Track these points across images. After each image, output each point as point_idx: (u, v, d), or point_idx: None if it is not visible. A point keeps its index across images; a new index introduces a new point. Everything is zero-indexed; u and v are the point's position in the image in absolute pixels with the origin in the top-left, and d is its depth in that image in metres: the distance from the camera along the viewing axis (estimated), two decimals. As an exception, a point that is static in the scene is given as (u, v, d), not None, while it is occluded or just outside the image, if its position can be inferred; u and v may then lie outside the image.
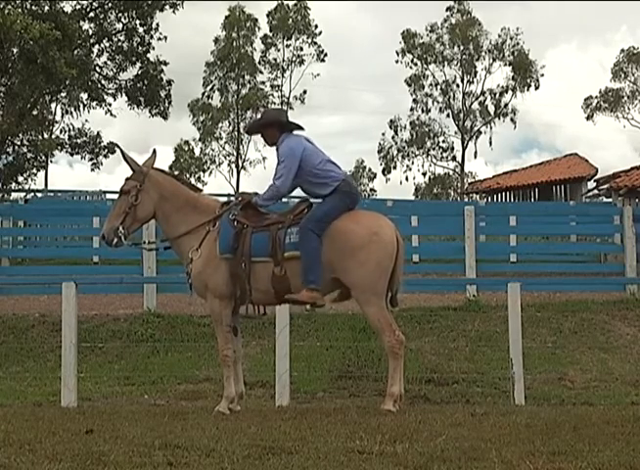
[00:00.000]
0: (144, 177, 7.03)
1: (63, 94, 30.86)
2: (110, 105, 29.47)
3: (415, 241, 17.22)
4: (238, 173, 53.28)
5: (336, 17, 76.12)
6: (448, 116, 54.22)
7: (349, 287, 6.88)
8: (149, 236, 12.19)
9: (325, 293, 7.20)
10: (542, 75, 53.18)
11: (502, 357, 9.52)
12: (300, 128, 7.20)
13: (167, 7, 28.14)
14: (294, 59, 53.11)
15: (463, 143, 54.31)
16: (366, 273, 6.75)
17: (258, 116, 7.14)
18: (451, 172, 56.42)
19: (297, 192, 7.17)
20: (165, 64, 28.98)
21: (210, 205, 7.20)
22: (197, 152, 55.06)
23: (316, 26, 53.04)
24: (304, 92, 53.47)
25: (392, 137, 55.05)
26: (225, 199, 12.34)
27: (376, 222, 6.94)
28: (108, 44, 28.70)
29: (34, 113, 29.68)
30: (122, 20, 28.21)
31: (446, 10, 54.11)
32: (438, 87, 54.10)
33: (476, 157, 55.75)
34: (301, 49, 53.10)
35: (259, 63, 53.22)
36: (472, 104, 54.03)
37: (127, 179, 7.11)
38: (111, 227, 6.99)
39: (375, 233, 6.81)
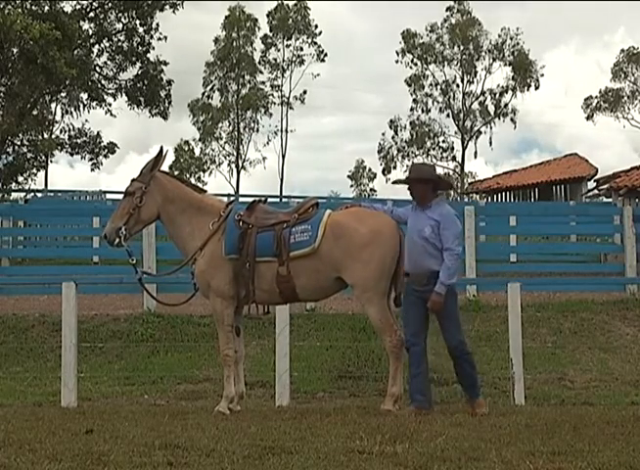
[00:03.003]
0: (150, 179, 7.05)
1: (63, 94, 30.85)
2: (110, 105, 29.51)
3: (415, 241, 17.19)
4: (238, 173, 53.35)
5: (336, 17, 76.25)
6: (448, 116, 54.26)
7: (352, 286, 6.89)
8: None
9: (330, 293, 7.23)
10: (542, 75, 53.26)
11: (502, 357, 9.52)
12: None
13: (167, 7, 28.15)
14: (294, 59, 53.14)
15: (463, 143, 54.33)
16: (368, 273, 6.76)
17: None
18: (451, 172, 56.43)
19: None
20: (165, 64, 28.99)
21: (215, 205, 7.22)
22: (197, 152, 55.15)
23: (316, 26, 53.11)
24: (304, 92, 53.54)
25: (392, 137, 55.11)
26: (226, 199, 12.33)
27: (379, 221, 6.95)
28: (108, 44, 28.71)
29: (34, 113, 29.66)
30: (122, 20, 28.21)
31: (446, 10, 54.13)
32: (438, 87, 54.11)
33: (476, 157, 55.85)
34: (301, 49, 53.14)
35: (259, 63, 53.23)
36: (472, 104, 54.05)
37: (133, 181, 7.12)
38: (113, 227, 7.03)
39: (378, 233, 6.82)
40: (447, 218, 6.77)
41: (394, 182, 7.81)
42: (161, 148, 7.16)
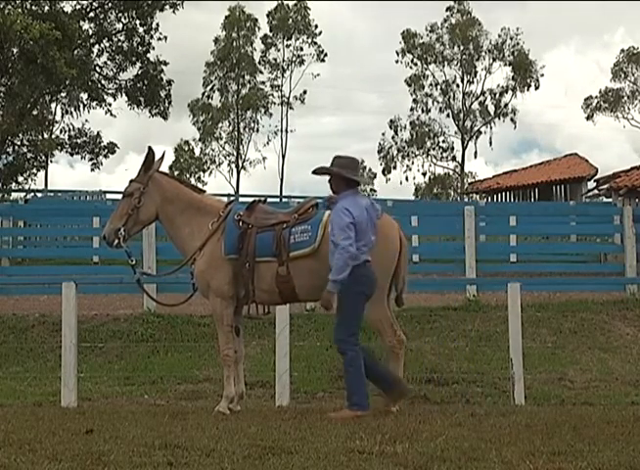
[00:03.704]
0: (148, 180, 7.05)
1: (63, 94, 30.83)
2: (110, 105, 29.49)
3: (415, 241, 17.23)
4: (238, 173, 53.36)
5: (336, 17, 76.19)
6: (448, 116, 54.28)
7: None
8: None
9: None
10: (542, 75, 53.30)
11: (502, 357, 9.52)
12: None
13: (167, 7, 28.13)
14: (294, 59, 53.14)
15: (463, 143, 54.33)
16: (367, 273, 6.75)
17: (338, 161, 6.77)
18: (451, 172, 56.46)
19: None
20: (165, 64, 28.98)
21: (214, 205, 7.22)
22: (197, 152, 55.15)
23: (316, 26, 53.11)
24: (304, 92, 53.53)
25: (392, 137, 55.09)
26: (226, 199, 12.32)
27: (379, 222, 6.95)
28: (108, 44, 28.69)
29: (34, 113, 29.66)
30: (122, 20, 28.20)
31: (446, 10, 54.17)
32: (438, 87, 54.14)
33: (476, 157, 55.86)
34: (301, 49, 53.14)
35: (259, 63, 53.23)
36: (472, 104, 54.07)
37: (131, 181, 7.13)
38: (112, 228, 7.04)
39: (377, 233, 6.81)
40: (335, 211, 6.55)
41: (314, 172, 7.11)
42: (149, 148, 7.13)
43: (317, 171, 6.86)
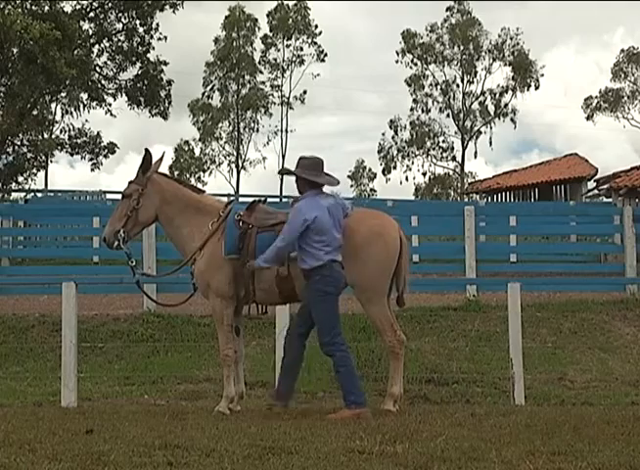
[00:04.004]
0: (146, 181, 7.05)
1: (63, 94, 30.83)
2: (110, 105, 29.46)
3: (415, 241, 17.22)
4: (238, 173, 53.35)
5: (336, 17, 76.22)
6: (448, 116, 54.27)
7: (351, 286, 6.89)
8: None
9: None
10: (542, 75, 53.30)
11: (502, 357, 9.52)
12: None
13: (167, 7, 28.10)
14: (294, 59, 53.14)
15: (463, 143, 54.32)
16: (368, 273, 6.76)
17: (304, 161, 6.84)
18: (451, 172, 56.45)
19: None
20: (165, 64, 28.95)
21: (214, 205, 7.22)
22: (197, 152, 55.15)
23: (316, 26, 53.10)
24: (304, 92, 53.54)
25: (392, 137, 55.10)
26: (226, 199, 12.30)
27: (379, 222, 6.96)
28: (108, 44, 28.67)
29: (34, 113, 29.62)
30: (122, 20, 28.17)
31: (446, 10, 54.17)
32: (438, 87, 54.13)
33: (476, 157, 55.84)
34: (301, 49, 53.15)
35: (259, 63, 53.23)
36: (472, 104, 54.06)
37: (130, 183, 7.13)
38: (112, 230, 7.06)
39: (377, 233, 6.83)
40: (290, 212, 6.69)
41: (279, 172, 7.62)
42: (146, 150, 7.14)
43: (281, 172, 6.98)
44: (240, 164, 53.20)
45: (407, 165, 55.01)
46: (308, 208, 6.57)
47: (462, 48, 53.35)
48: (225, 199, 14.76)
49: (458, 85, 54.19)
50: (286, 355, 6.86)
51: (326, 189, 6.86)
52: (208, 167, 54.37)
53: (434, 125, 54.45)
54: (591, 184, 28.95)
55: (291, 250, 6.68)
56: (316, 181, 6.71)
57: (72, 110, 32.95)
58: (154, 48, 28.89)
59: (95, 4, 27.91)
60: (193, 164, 55.09)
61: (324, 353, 6.75)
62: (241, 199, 26.76)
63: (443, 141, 54.75)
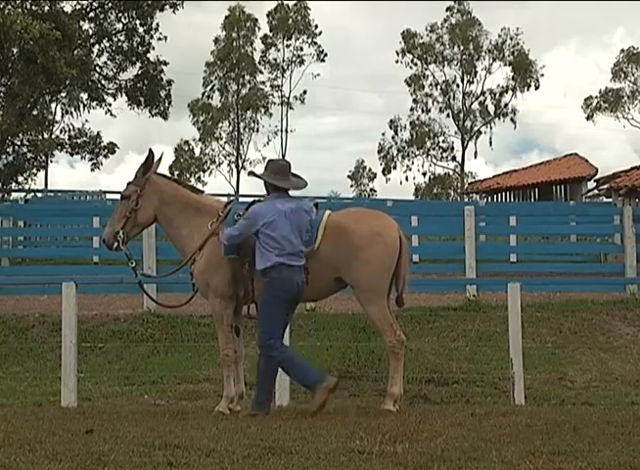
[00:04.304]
0: (145, 182, 7.05)
1: (63, 94, 30.79)
2: (110, 105, 29.41)
3: (415, 241, 17.22)
4: (238, 173, 53.37)
5: (336, 17, 76.25)
6: (448, 116, 54.30)
7: (351, 286, 6.90)
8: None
9: (329, 294, 7.24)
10: (542, 75, 53.33)
11: (502, 357, 9.52)
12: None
13: (167, 7, 28.07)
14: (294, 59, 53.20)
15: (463, 143, 54.34)
16: (368, 273, 6.76)
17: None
18: (451, 172, 56.48)
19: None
20: (165, 64, 28.93)
21: (213, 205, 7.22)
22: (197, 152, 55.20)
23: (316, 26, 53.17)
24: (304, 92, 53.61)
25: (392, 137, 55.15)
26: (225, 199, 12.31)
27: (379, 222, 6.96)
28: (108, 44, 28.64)
29: (34, 113, 29.59)
30: (122, 20, 28.14)
31: (446, 10, 54.21)
32: (438, 87, 54.16)
33: (476, 157, 55.89)
34: (301, 49, 53.21)
35: (259, 63, 53.27)
36: (472, 104, 54.09)
37: (128, 184, 7.14)
38: (111, 231, 7.07)
39: (377, 233, 6.83)
40: (245, 214, 6.75)
41: (248, 174, 7.71)
42: (150, 150, 7.15)
43: (249, 174, 7.08)
44: (240, 165, 53.26)
45: (407, 165, 55.13)
46: (263, 210, 6.65)
47: (462, 48, 53.38)
48: (225, 199, 14.75)
49: (458, 85, 54.27)
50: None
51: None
52: (208, 168, 54.46)
53: (434, 125, 54.56)
54: (591, 184, 28.96)
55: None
56: (277, 185, 6.77)
57: (72, 110, 32.94)
58: (154, 48, 28.88)
59: (95, 4, 27.89)
60: (193, 164, 55.12)
61: (259, 354, 6.74)
62: (241, 199, 26.76)
63: (443, 141, 54.83)
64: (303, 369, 6.65)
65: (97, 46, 28.60)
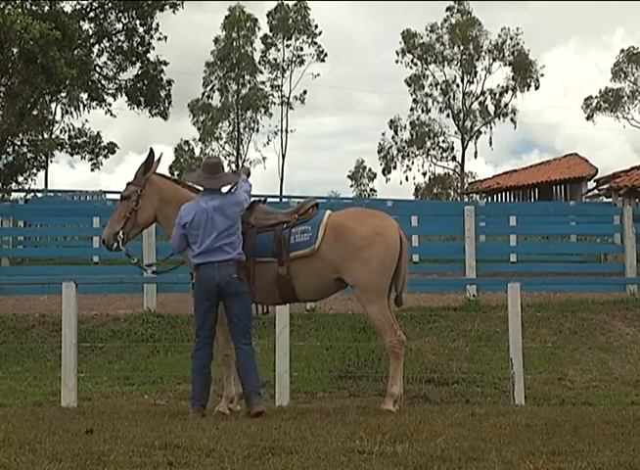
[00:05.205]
0: (145, 182, 7.06)
1: (63, 94, 30.76)
2: (110, 105, 29.40)
3: (415, 241, 17.22)
4: (238, 173, 53.22)
5: (336, 17, 76.24)
6: (448, 116, 54.26)
7: (352, 286, 6.90)
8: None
9: (330, 294, 7.24)
10: (542, 75, 53.30)
11: (502, 357, 9.53)
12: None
13: (167, 7, 28.07)
14: (294, 59, 53.14)
15: (463, 143, 54.31)
16: (368, 273, 6.77)
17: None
18: (451, 172, 56.45)
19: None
20: (165, 64, 28.92)
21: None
22: (197, 152, 55.16)
23: (316, 26, 53.10)
24: (304, 92, 53.53)
25: (392, 137, 55.09)
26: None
27: (380, 222, 6.96)
28: (108, 44, 28.63)
29: (34, 113, 29.58)
30: (122, 20, 28.13)
31: (446, 10, 54.15)
32: (438, 87, 54.12)
33: (476, 157, 55.83)
34: (301, 49, 53.14)
35: (259, 63, 53.22)
36: (472, 104, 54.05)
37: (128, 184, 7.14)
38: (111, 232, 7.07)
39: (378, 233, 6.83)
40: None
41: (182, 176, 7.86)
42: (151, 150, 7.16)
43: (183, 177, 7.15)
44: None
45: (407, 165, 55.06)
46: (185, 211, 6.71)
47: (462, 48, 53.34)
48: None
49: (458, 85, 54.22)
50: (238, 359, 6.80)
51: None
52: (209, 167, 54.30)
53: (434, 125, 54.51)
54: (591, 184, 28.96)
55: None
56: (196, 187, 6.94)
57: (72, 110, 32.85)
58: (154, 48, 28.86)
59: (95, 4, 27.88)
60: (193, 164, 55.08)
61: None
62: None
63: (443, 141, 54.78)
64: (198, 386, 6.72)
65: (97, 46, 28.60)
